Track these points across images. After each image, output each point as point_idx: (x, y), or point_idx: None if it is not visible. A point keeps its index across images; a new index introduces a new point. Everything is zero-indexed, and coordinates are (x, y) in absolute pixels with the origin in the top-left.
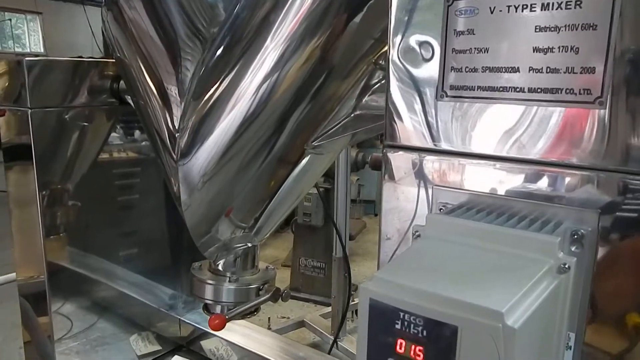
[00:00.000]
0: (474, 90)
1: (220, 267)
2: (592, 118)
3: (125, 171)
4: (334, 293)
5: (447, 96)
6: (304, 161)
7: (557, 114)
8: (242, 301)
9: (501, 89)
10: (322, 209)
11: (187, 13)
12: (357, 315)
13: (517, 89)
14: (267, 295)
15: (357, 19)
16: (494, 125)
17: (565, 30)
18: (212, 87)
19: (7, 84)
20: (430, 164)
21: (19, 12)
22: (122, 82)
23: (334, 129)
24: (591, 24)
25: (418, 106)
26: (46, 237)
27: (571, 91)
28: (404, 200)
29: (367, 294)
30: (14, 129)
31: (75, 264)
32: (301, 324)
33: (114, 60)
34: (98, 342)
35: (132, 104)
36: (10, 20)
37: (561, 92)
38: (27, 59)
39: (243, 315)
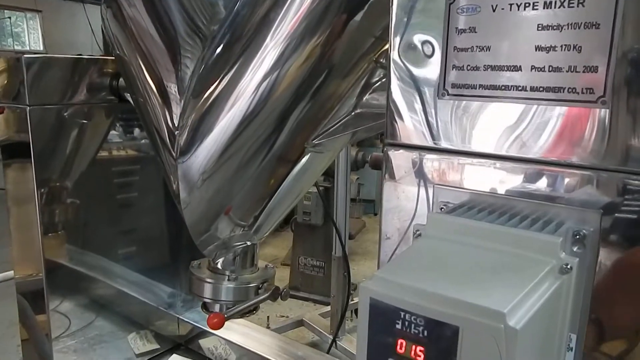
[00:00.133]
0: (475, 88)
1: (219, 266)
2: (594, 117)
3: (124, 169)
4: (333, 292)
5: (448, 94)
6: (303, 160)
7: (559, 113)
8: (241, 300)
9: (503, 87)
10: (322, 208)
11: (186, 10)
12: (356, 314)
13: (519, 88)
14: (266, 294)
15: (358, 17)
16: (495, 124)
17: (568, 28)
18: (212, 85)
19: (5, 81)
20: (430, 162)
21: (19, 10)
22: (121, 79)
23: (335, 127)
24: (594, 23)
25: (419, 104)
26: (44, 234)
27: (573, 90)
28: (404, 199)
29: (368, 293)
30: (13, 127)
31: (73, 262)
32: (300, 323)
33: (113, 58)
34: (96, 341)
35: (131, 101)
36: (9, 18)
37: (563, 91)
38: (25, 56)
39: (242, 314)
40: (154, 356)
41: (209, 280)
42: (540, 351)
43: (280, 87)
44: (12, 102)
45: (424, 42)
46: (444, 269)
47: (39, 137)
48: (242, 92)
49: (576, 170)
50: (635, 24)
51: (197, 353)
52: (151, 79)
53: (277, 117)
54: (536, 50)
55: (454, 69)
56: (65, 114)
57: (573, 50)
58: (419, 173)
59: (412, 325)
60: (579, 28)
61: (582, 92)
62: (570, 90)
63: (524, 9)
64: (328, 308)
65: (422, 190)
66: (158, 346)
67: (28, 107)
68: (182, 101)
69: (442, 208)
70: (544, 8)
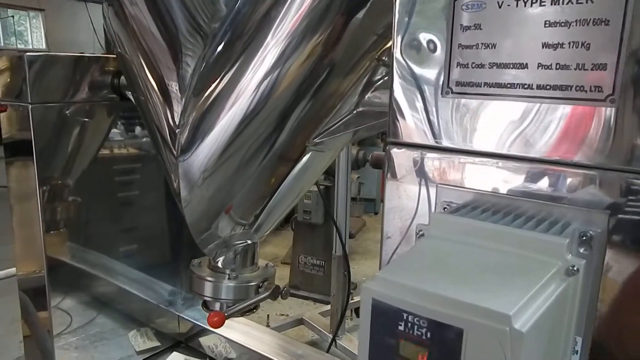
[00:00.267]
0: (480, 86)
1: (219, 264)
2: (600, 116)
3: (125, 167)
4: (333, 291)
5: (452, 92)
6: (304, 158)
7: (565, 111)
8: (242, 298)
9: (508, 85)
10: (322, 207)
11: (188, 8)
12: (356, 313)
13: (525, 86)
14: (267, 293)
15: (360, 15)
16: (501, 122)
17: (576, 25)
18: (213, 83)
19: (8, 79)
20: (432, 161)
21: (22, 9)
22: (122, 77)
23: (336, 126)
24: (603, 19)
25: (422, 103)
26: (46, 232)
27: (581, 88)
28: (405, 198)
29: (370, 294)
30: (15, 125)
31: (75, 260)
32: (300, 321)
33: (114, 56)
34: (97, 338)
35: (132, 99)
36: (12, 17)
37: (571, 89)
38: (28, 54)
39: (242, 313)
40: (155, 354)
41: (209, 278)
42: (545, 354)
43: (282, 85)
44: (14, 100)
45: (427, 40)
46: (447, 270)
47: (41, 135)
48: (243, 91)
49: (584, 170)
50: None
51: (197, 351)
52: (152, 77)
53: (278, 115)
54: (543, 47)
55: (458, 67)
56: (67, 112)
57: (581, 47)
58: (420, 172)
59: (415, 327)
60: (587, 25)
61: (590, 91)
62: (578, 88)
63: (531, 6)
64: (328, 307)
65: (424, 189)
66: (158, 344)
67: (30, 105)
68: (183, 99)
69: (445, 208)
70: (551, 4)
